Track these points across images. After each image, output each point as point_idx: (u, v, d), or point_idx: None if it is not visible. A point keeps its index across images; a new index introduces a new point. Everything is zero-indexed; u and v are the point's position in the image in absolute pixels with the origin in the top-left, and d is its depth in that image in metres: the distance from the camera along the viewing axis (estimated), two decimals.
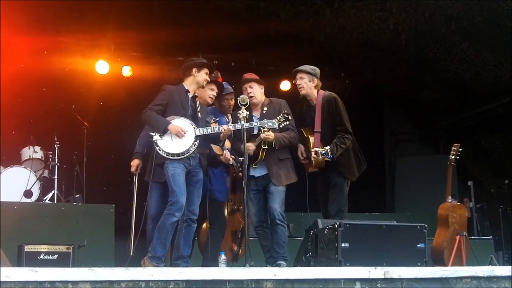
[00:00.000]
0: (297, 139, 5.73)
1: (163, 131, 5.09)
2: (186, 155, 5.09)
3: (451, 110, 10.68)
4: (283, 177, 5.50)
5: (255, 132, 5.53)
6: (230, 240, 6.06)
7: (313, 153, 5.62)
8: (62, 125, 8.46)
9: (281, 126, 5.41)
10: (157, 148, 5.08)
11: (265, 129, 5.32)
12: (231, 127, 5.26)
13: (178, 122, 5.14)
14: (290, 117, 5.46)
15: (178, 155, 5.07)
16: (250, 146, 5.43)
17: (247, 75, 5.75)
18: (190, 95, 5.32)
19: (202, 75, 5.33)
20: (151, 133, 5.15)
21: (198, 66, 5.34)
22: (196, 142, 5.13)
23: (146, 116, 5.19)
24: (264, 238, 5.57)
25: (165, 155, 5.06)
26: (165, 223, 4.97)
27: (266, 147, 5.45)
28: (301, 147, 5.84)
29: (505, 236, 9.02)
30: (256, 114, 5.66)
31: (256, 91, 5.64)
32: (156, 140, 5.08)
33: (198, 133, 5.15)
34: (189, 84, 5.35)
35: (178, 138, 5.08)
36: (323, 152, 5.55)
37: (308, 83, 5.82)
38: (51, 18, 8.64)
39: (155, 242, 4.99)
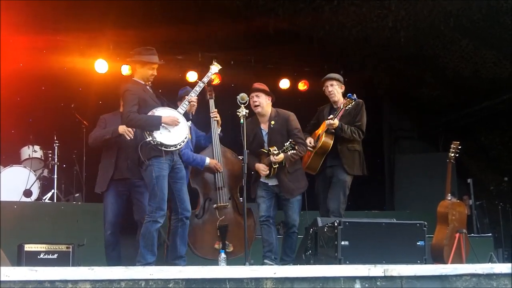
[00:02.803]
0: (305, 151, 5.84)
1: (159, 126, 5.00)
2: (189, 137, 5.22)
3: (450, 107, 10.68)
4: (295, 190, 5.67)
5: (265, 147, 5.66)
6: (213, 237, 5.91)
7: (326, 122, 5.76)
8: (61, 124, 8.46)
9: (288, 153, 5.50)
10: (162, 147, 4.97)
11: (275, 152, 5.48)
12: (193, 95, 5.32)
13: (165, 112, 5.07)
14: (296, 146, 5.52)
15: (183, 141, 5.09)
16: (265, 169, 5.59)
17: (257, 85, 5.82)
18: (149, 87, 5.28)
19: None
20: (145, 136, 4.97)
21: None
22: (188, 122, 5.24)
23: (133, 120, 5.03)
24: (267, 233, 5.70)
25: (174, 149, 5.03)
26: (150, 230, 4.92)
27: (277, 166, 5.58)
28: (309, 138, 5.97)
29: (504, 234, 9.02)
30: (264, 127, 5.76)
31: (262, 101, 5.70)
32: (156, 139, 4.95)
33: (182, 111, 5.17)
34: (139, 78, 5.28)
35: (173, 127, 5.03)
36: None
37: (338, 89, 6.11)
38: (50, 16, 8.62)
39: (143, 251, 4.93)
